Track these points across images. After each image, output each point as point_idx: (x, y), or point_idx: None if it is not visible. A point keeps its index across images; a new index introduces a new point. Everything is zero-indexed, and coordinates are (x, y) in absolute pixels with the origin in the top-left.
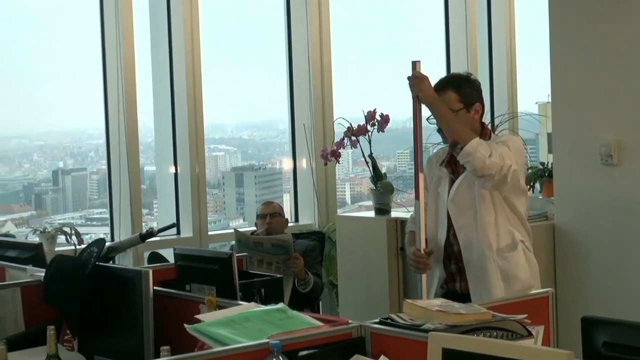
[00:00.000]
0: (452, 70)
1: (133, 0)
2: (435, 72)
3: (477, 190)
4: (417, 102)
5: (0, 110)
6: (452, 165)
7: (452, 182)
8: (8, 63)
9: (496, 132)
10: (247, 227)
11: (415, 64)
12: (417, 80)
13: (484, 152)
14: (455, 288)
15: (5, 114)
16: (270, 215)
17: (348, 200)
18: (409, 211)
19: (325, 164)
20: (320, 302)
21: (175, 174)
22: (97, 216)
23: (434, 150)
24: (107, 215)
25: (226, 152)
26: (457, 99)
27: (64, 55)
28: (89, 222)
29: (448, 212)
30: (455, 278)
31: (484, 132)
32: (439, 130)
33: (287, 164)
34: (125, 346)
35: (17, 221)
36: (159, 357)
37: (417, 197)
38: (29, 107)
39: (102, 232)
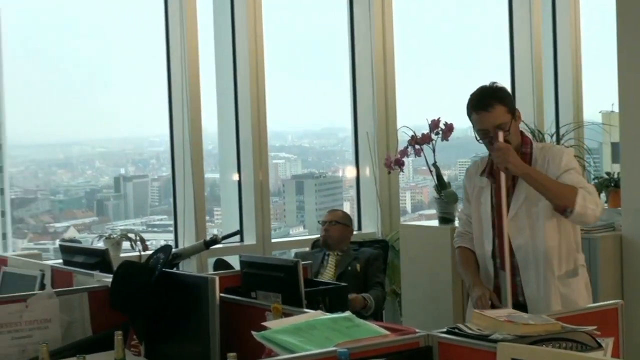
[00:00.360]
0: (517, 81)
1: (197, 8)
2: (500, 79)
3: (542, 212)
4: (502, 173)
5: (64, 117)
6: (495, 174)
7: (497, 192)
8: (72, 70)
9: (562, 142)
10: (307, 236)
11: (497, 134)
12: (502, 152)
13: (592, 207)
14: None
15: (68, 121)
16: (329, 222)
17: (408, 208)
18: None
19: (389, 172)
20: (384, 311)
21: (239, 182)
22: (157, 222)
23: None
24: (168, 222)
25: (286, 160)
26: (505, 110)
27: (128, 64)
28: (150, 229)
29: (493, 223)
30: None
31: (525, 141)
32: (485, 142)
33: (347, 172)
34: (192, 352)
35: (79, 227)
36: None
37: (502, 267)
38: (92, 115)
39: (163, 238)
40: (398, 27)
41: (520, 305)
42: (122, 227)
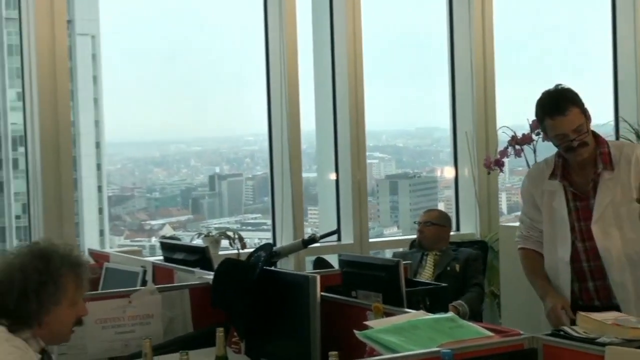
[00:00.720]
0: (620, 79)
1: (297, 9)
2: (602, 78)
3: (631, 214)
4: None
5: (160, 115)
6: (569, 177)
7: (574, 195)
8: (169, 70)
9: None
10: (401, 236)
11: None
12: None
13: None
14: (593, 304)
15: (165, 120)
16: (424, 223)
17: (504, 210)
18: None
19: (488, 173)
20: (483, 312)
21: (337, 181)
22: (251, 221)
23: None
24: (262, 220)
25: (380, 160)
26: (579, 112)
27: (227, 64)
28: (244, 227)
29: (572, 227)
30: (593, 296)
31: (600, 140)
32: (569, 150)
33: (445, 172)
34: (292, 350)
35: (174, 225)
36: None
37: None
38: (188, 113)
39: (257, 236)
40: (498, 26)
41: (606, 309)
42: (216, 226)
